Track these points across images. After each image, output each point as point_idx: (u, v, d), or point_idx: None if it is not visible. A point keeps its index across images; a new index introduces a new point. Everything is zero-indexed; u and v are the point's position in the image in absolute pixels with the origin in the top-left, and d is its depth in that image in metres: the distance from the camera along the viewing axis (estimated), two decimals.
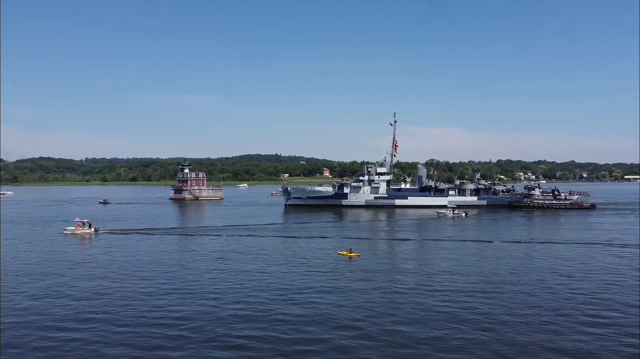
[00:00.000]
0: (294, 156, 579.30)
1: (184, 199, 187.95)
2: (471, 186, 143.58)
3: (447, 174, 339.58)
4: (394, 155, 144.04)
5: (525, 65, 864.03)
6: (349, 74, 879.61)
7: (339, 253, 58.46)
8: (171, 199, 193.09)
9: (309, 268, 50.18)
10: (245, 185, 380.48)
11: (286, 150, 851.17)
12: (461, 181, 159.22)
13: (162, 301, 37.62)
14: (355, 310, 34.60)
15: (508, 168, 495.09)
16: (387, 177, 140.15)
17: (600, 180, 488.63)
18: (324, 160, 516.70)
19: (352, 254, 57.49)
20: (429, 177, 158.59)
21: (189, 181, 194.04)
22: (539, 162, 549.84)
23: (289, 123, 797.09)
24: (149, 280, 45.46)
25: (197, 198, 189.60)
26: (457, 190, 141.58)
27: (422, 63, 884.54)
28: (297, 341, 28.70)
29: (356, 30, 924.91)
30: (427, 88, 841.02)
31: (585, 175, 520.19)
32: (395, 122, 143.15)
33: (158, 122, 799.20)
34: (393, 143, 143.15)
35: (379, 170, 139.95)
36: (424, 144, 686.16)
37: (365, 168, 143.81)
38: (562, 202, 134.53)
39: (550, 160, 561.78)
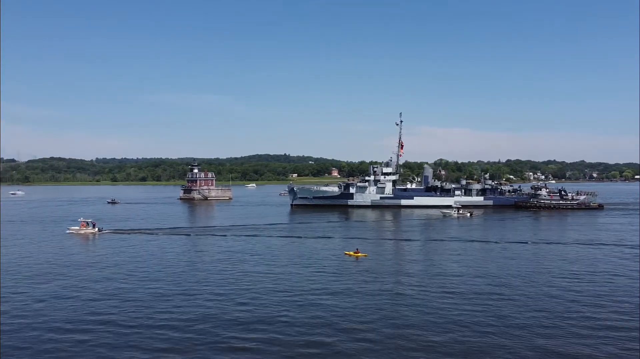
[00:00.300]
0: (303, 156, 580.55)
1: (193, 199, 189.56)
2: (477, 186, 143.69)
3: (455, 174, 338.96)
4: (400, 155, 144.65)
5: (535, 64, 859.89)
6: (357, 74, 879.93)
7: (346, 253, 58.87)
8: (180, 199, 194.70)
9: (316, 268, 50.42)
10: (254, 185, 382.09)
11: (295, 150, 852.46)
12: (467, 181, 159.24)
13: (167, 303, 37.76)
14: (364, 313, 34.53)
15: (517, 168, 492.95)
16: (393, 177, 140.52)
17: (611, 180, 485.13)
18: (333, 160, 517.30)
19: (359, 254, 57.86)
20: (436, 177, 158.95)
21: (198, 182, 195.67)
22: (549, 162, 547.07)
23: (298, 124, 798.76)
24: (152, 281, 45.72)
25: (206, 198, 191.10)
26: (463, 190, 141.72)
27: (430, 63, 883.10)
28: (305, 344, 28.66)
29: (364, 30, 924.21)
30: (436, 89, 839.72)
31: (595, 175, 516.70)
32: (401, 122, 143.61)
33: (168, 122, 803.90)
34: (399, 143, 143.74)
35: (385, 170, 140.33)
36: (433, 144, 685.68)
37: (372, 168, 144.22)
38: (568, 202, 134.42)
39: (560, 160, 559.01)
